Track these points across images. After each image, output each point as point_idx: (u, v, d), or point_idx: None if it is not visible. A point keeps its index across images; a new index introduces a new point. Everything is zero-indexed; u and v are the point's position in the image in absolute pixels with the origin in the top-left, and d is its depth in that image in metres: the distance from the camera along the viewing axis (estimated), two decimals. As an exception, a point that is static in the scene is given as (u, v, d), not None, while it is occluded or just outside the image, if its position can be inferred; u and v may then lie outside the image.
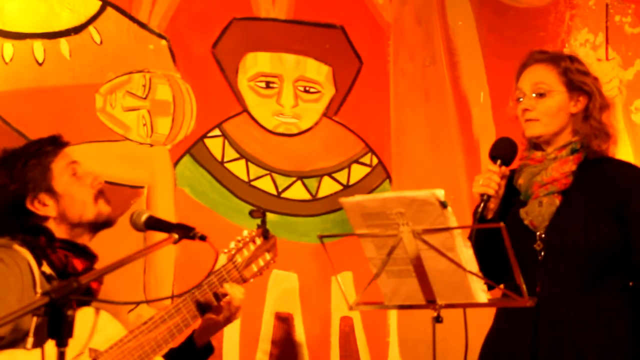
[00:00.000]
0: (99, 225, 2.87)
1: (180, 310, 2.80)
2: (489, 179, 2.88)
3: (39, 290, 2.65)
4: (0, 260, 2.64)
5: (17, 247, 2.71)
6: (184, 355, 2.92)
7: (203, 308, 2.84)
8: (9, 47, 3.48)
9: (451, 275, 2.47)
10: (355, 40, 4.03)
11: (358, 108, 4.02)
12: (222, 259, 2.92)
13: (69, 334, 1.99)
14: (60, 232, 2.81)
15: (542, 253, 2.88)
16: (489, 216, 2.90)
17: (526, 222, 2.92)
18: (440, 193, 2.41)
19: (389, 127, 4.08)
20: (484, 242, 2.70)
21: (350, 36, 4.03)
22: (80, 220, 2.82)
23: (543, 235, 2.89)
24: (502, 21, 4.28)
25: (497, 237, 2.59)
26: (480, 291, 2.49)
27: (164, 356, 2.79)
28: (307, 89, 3.95)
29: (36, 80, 3.51)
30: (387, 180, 4.05)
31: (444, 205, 2.41)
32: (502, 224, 2.41)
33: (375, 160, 4.04)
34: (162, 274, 3.65)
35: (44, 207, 2.80)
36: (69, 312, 1.99)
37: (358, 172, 4.01)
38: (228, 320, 2.90)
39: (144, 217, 2.75)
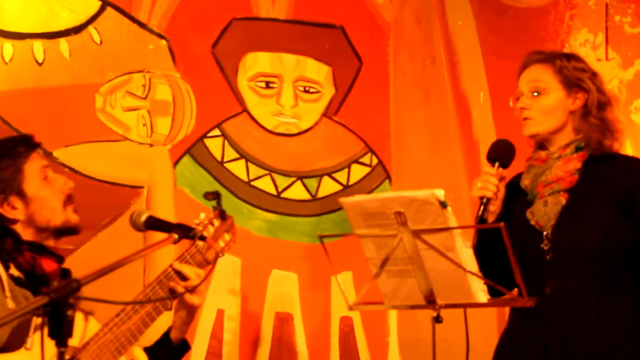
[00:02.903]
0: (64, 232, 2.85)
1: (150, 298, 2.74)
2: (487, 181, 2.88)
3: (7, 293, 2.63)
4: None
5: None
6: (160, 352, 2.88)
7: (171, 293, 2.78)
8: (8, 47, 3.48)
9: (451, 275, 2.47)
10: (355, 40, 4.03)
11: (358, 108, 4.02)
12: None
13: (69, 334, 2.00)
14: (26, 235, 2.78)
15: (550, 252, 2.85)
16: (491, 219, 2.89)
17: (532, 222, 2.89)
18: (440, 193, 2.41)
19: (388, 127, 4.08)
20: (490, 246, 2.69)
21: (350, 36, 4.03)
22: (47, 225, 2.80)
23: (550, 235, 2.86)
24: (502, 21, 4.28)
25: (502, 240, 2.57)
26: (480, 291, 2.49)
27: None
28: (307, 89, 3.95)
29: (36, 80, 3.51)
30: (387, 180, 4.05)
31: (443, 205, 2.41)
32: (501, 224, 2.40)
33: (375, 160, 4.03)
34: (162, 274, 3.65)
35: (13, 210, 2.77)
36: (69, 312, 1.99)
37: (358, 172, 4.00)
38: (193, 308, 2.83)
39: (143, 217, 2.75)
